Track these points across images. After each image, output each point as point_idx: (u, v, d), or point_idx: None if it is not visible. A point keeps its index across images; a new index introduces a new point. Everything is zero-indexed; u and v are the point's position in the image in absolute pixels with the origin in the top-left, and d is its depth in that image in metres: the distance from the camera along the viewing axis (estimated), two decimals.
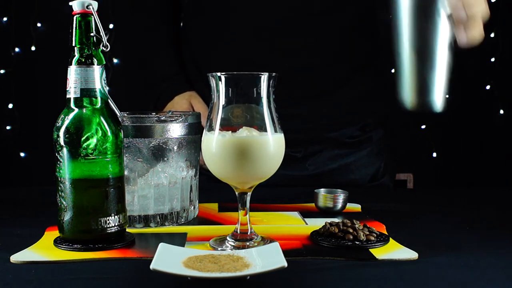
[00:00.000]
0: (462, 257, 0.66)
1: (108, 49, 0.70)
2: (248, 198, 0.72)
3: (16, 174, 2.11)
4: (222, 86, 0.69)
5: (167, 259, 0.58)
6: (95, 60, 0.69)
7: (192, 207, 0.85)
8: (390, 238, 0.72)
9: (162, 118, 0.78)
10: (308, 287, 0.57)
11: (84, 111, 0.69)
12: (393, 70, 0.85)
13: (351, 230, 0.71)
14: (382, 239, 0.71)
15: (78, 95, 0.68)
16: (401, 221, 0.85)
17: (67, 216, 0.69)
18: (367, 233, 0.71)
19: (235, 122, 0.69)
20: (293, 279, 0.59)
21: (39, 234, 0.75)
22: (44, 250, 0.68)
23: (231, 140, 0.68)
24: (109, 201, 0.69)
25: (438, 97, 0.82)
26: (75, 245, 0.68)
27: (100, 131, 0.68)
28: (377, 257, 0.65)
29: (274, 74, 0.70)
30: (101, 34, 0.70)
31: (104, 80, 0.70)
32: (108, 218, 0.69)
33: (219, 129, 0.69)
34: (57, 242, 0.70)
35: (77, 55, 0.69)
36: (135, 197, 0.79)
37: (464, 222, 0.85)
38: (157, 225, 0.80)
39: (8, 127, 2.09)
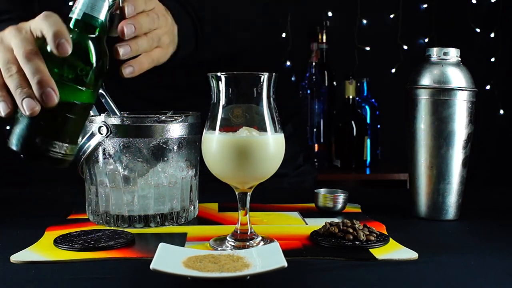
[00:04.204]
0: (462, 257, 0.66)
1: None
2: (248, 198, 0.72)
3: (16, 174, 2.11)
4: (222, 86, 0.69)
5: (167, 259, 0.58)
6: None
7: (192, 207, 0.85)
8: (390, 238, 0.72)
9: (162, 118, 0.78)
10: (308, 287, 0.57)
11: (80, 35, 0.68)
12: None
13: (351, 230, 0.71)
14: (382, 239, 0.71)
15: (79, 18, 0.68)
16: (401, 221, 0.85)
17: (21, 124, 0.67)
18: (367, 233, 0.71)
19: (235, 122, 0.69)
20: (293, 279, 0.59)
21: (39, 234, 0.75)
22: (44, 250, 0.68)
23: (231, 140, 0.68)
24: (65, 126, 0.68)
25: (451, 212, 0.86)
26: (75, 245, 0.68)
27: (85, 59, 0.67)
28: (377, 257, 0.65)
29: (274, 74, 0.70)
30: None
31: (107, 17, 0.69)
32: (56, 142, 0.68)
33: (219, 129, 0.69)
34: (57, 242, 0.70)
35: None
36: (135, 197, 0.79)
37: (464, 222, 0.85)
38: (157, 225, 0.80)
39: (8, 127, 2.08)
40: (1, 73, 0.68)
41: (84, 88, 0.68)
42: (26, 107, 0.64)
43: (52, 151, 0.68)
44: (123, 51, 0.73)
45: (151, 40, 0.77)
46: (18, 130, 0.68)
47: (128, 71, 0.75)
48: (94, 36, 0.69)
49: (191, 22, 0.94)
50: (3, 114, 0.68)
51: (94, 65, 0.68)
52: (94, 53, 0.68)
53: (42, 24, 0.66)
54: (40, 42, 0.67)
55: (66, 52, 0.64)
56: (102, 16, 0.69)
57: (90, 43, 0.68)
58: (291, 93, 1.32)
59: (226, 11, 1.04)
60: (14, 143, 0.68)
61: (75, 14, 0.68)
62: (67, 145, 0.69)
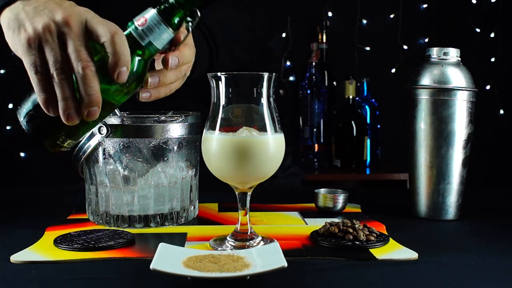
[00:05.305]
0: (462, 257, 0.66)
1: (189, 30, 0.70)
2: (248, 198, 0.72)
3: (16, 174, 2.11)
4: (222, 86, 0.69)
5: (167, 259, 0.58)
6: (175, 21, 0.67)
7: (192, 207, 0.85)
8: (390, 238, 0.72)
9: (162, 118, 0.78)
10: (308, 287, 0.57)
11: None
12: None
13: (351, 230, 0.71)
14: (382, 239, 0.71)
15: (143, 44, 0.67)
16: (401, 221, 0.85)
17: (45, 118, 0.67)
18: (367, 233, 0.71)
19: (235, 122, 0.69)
20: (293, 279, 0.59)
21: (39, 234, 0.75)
22: (44, 250, 0.68)
23: (231, 140, 0.68)
24: (84, 130, 0.71)
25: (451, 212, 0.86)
26: (75, 245, 0.68)
27: (134, 79, 0.67)
28: (377, 257, 0.65)
29: (274, 74, 0.70)
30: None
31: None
32: (72, 141, 0.71)
33: (219, 129, 0.69)
34: (57, 242, 0.70)
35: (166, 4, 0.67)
36: (135, 197, 0.79)
37: (464, 222, 0.85)
38: (157, 225, 0.80)
39: (8, 127, 2.08)
40: (40, 56, 0.65)
41: (117, 102, 0.69)
42: (69, 118, 0.65)
43: (64, 147, 0.71)
44: (152, 81, 0.72)
45: (179, 74, 0.77)
46: (38, 121, 0.68)
47: (144, 95, 0.74)
48: (145, 59, 0.69)
49: (207, 44, 0.93)
50: (47, 111, 0.66)
51: (137, 82, 0.69)
52: (142, 72, 0.69)
53: (109, 43, 0.64)
54: (92, 44, 0.65)
55: (123, 81, 0.65)
56: (161, 46, 0.68)
57: (142, 65, 0.68)
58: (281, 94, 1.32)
59: (234, 32, 1.04)
60: (31, 130, 0.68)
61: (138, 36, 0.66)
62: (77, 142, 0.74)
